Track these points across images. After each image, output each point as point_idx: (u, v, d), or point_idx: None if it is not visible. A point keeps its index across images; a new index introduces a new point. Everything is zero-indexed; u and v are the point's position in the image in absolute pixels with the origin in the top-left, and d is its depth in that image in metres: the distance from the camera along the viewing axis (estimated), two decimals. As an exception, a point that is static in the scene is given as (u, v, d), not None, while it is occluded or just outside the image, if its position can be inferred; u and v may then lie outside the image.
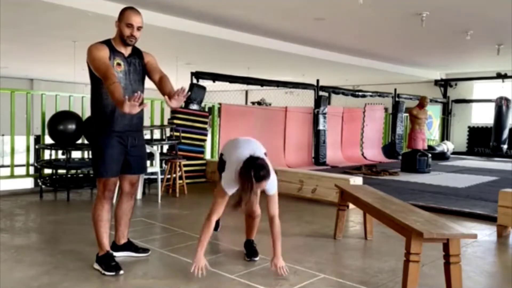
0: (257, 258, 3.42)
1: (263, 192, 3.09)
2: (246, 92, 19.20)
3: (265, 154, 3.23)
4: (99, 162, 3.10)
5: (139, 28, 3.05)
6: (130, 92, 3.07)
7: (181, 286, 2.87)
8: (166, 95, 2.85)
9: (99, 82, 2.98)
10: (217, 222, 4.15)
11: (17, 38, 9.21)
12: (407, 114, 10.86)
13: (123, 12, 3.07)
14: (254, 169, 2.82)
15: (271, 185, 3.04)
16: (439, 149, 12.43)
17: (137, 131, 3.22)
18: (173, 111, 7.30)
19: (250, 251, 3.48)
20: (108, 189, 3.13)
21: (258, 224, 3.50)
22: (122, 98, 2.69)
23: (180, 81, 13.98)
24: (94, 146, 3.16)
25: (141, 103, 2.70)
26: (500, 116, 12.96)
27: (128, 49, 3.12)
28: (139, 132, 3.27)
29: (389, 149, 12.21)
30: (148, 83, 3.25)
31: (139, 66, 3.16)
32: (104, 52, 2.98)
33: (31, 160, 6.41)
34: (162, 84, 3.05)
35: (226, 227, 4.25)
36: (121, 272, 3.04)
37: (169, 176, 6.28)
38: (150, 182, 6.46)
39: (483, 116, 14.43)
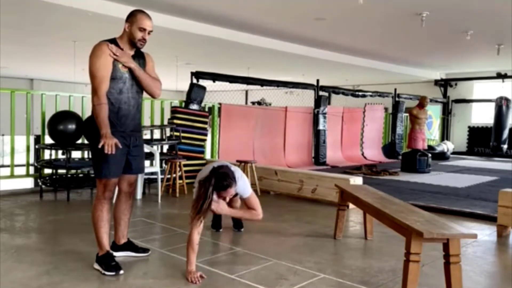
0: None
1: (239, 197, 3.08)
2: (246, 92, 19.20)
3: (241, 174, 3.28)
4: (102, 163, 3.08)
5: (149, 32, 3.10)
6: (134, 93, 3.13)
7: (181, 286, 2.87)
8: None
9: None
10: (219, 223, 4.16)
11: (17, 38, 9.21)
12: (407, 114, 10.87)
13: (135, 15, 3.09)
14: (215, 178, 2.84)
15: (243, 189, 3.05)
16: (439, 149, 12.44)
17: (138, 131, 3.27)
18: (173, 111, 7.30)
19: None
20: (108, 190, 3.14)
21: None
22: (105, 123, 2.94)
23: (180, 81, 13.99)
24: (97, 147, 3.15)
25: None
26: (500, 116, 12.96)
27: (133, 50, 3.16)
28: (140, 133, 3.32)
29: (389, 149, 12.21)
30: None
31: (143, 68, 3.20)
32: (106, 60, 2.99)
33: (31, 160, 6.40)
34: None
35: (226, 227, 4.25)
36: (121, 272, 3.04)
37: (169, 176, 6.28)
38: (150, 182, 6.46)
39: (483, 116, 14.43)
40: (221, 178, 2.83)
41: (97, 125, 3.03)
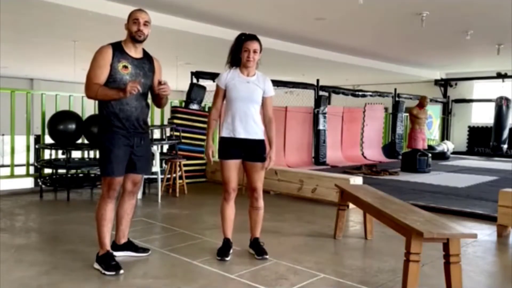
0: (267, 256, 3.37)
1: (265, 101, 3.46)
2: (246, 92, 19.16)
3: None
4: (105, 161, 3.12)
5: (146, 24, 3.12)
6: (137, 96, 3.12)
7: (181, 286, 2.87)
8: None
9: (105, 82, 3.04)
10: (229, 246, 3.50)
11: (17, 38, 9.20)
12: (407, 114, 10.87)
13: (130, 13, 3.17)
14: (243, 34, 3.33)
15: (270, 86, 3.46)
16: (439, 149, 12.44)
17: (143, 132, 3.26)
18: (173, 111, 7.31)
19: (258, 249, 3.42)
20: (113, 189, 3.14)
21: (262, 222, 3.52)
22: (111, 91, 3.00)
23: (180, 81, 13.99)
24: (101, 146, 3.19)
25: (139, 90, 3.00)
26: (500, 116, 12.96)
27: (138, 52, 3.17)
28: (145, 133, 3.31)
29: (389, 149, 12.21)
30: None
31: (149, 72, 3.21)
32: (105, 66, 3.03)
33: (31, 160, 6.41)
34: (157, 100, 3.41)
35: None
36: (121, 271, 3.04)
37: (169, 176, 6.28)
38: (150, 182, 6.46)
39: (483, 116, 14.43)
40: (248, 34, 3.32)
41: (104, 120, 3.11)
